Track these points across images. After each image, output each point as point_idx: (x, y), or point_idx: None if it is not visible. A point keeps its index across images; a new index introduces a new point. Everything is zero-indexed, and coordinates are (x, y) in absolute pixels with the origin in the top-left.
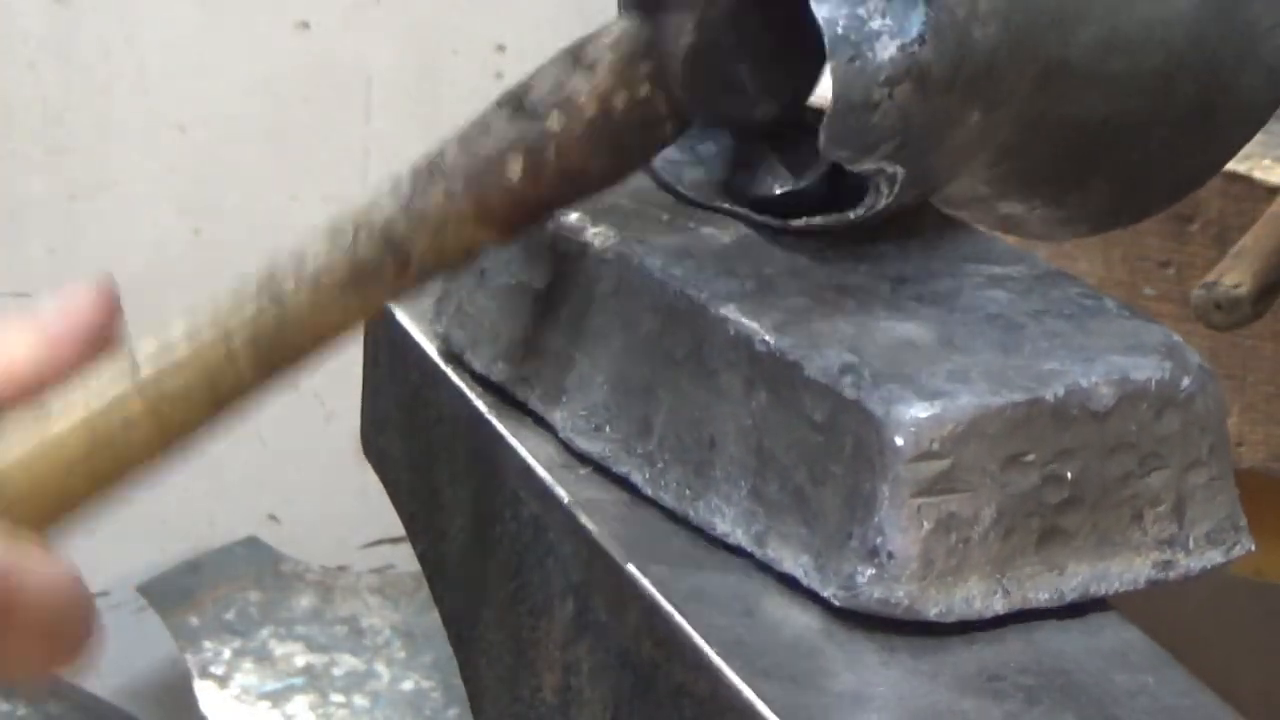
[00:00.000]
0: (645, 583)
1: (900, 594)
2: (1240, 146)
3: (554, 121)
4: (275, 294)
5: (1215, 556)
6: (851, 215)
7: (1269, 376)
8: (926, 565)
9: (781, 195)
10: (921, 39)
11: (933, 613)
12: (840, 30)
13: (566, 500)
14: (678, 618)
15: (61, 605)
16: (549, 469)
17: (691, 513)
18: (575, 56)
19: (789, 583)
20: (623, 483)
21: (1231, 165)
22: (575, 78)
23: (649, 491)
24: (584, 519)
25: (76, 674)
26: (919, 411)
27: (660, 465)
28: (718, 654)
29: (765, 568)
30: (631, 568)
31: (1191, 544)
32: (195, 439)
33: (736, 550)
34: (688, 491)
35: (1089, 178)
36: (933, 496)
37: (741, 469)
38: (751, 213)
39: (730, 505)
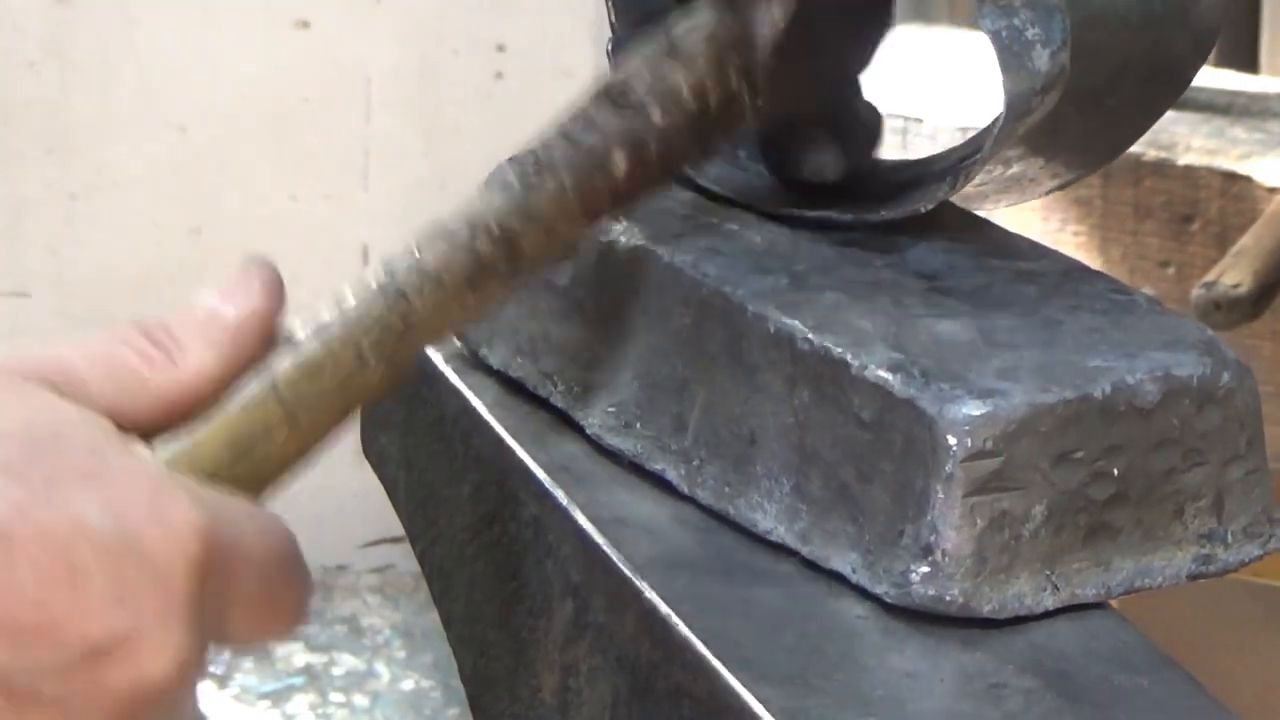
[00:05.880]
0: (644, 585)
1: (954, 591)
2: (1168, 108)
3: (656, 115)
4: (399, 294)
5: (1253, 550)
6: (922, 208)
7: (1268, 375)
8: (980, 563)
9: (821, 180)
10: (1064, 43)
11: (986, 610)
12: (1005, 41)
13: (565, 502)
14: (676, 619)
15: (282, 565)
16: (549, 470)
17: (731, 509)
18: (670, 49)
19: (789, 584)
20: (655, 480)
21: (1231, 165)
22: (675, 71)
23: (685, 489)
24: (583, 521)
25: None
26: (972, 410)
27: (696, 462)
28: (716, 655)
29: (767, 571)
30: (630, 569)
31: (1230, 538)
32: (326, 443)
33: (780, 547)
34: (726, 489)
35: (1056, 144)
36: (986, 495)
37: (784, 466)
38: (777, 209)
39: (772, 502)
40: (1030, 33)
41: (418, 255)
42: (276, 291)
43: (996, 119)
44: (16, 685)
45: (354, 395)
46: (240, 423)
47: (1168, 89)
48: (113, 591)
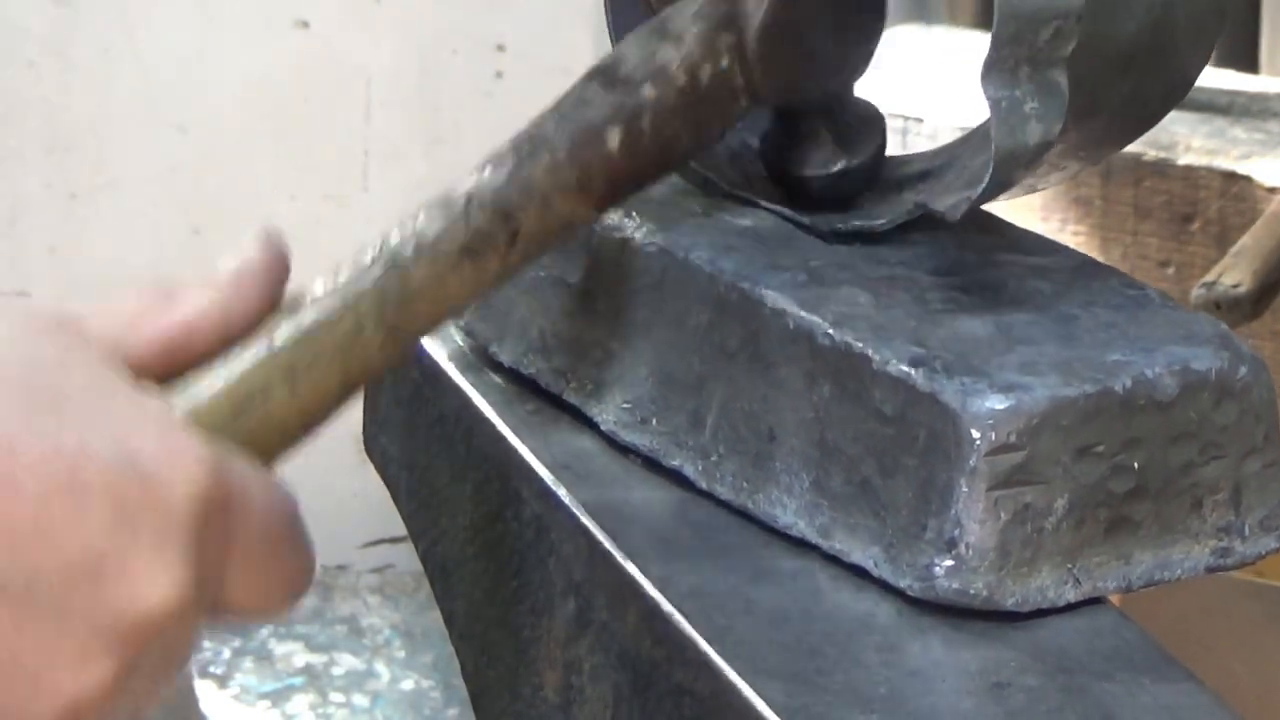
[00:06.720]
0: (645, 582)
1: (978, 585)
2: (1198, 74)
3: (648, 91)
4: (395, 263)
5: (1270, 543)
6: (879, 222)
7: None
8: (1003, 556)
9: (823, 178)
10: (1058, 120)
11: (1009, 603)
12: (1003, 111)
13: (567, 500)
14: (678, 617)
15: (285, 525)
16: (551, 469)
17: (750, 505)
18: (661, 29)
19: (791, 582)
20: (664, 476)
21: (1231, 165)
22: (664, 48)
23: (703, 484)
24: (585, 519)
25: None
26: (996, 404)
27: (715, 458)
28: (717, 653)
29: (768, 569)
30: (632, 567)
31: (1247, 531)
32: (328, 414)
33: (784, 545)
34: (745, 484)
35: (1098, 112)
36: (1009, 488)
37: (803, 461)
38: (783, 209)
39: (792, 498)
40: (1029, 106)
41: (414, 224)
42: (277, 248)
43: (977, 180)
44: (13, 590)
45: (354, 363)
46: (239, 379)
47: (1144, 122)
48: (115, 511)
